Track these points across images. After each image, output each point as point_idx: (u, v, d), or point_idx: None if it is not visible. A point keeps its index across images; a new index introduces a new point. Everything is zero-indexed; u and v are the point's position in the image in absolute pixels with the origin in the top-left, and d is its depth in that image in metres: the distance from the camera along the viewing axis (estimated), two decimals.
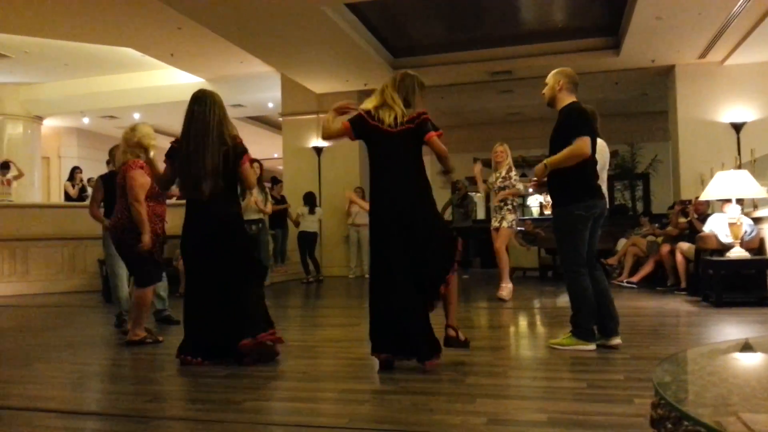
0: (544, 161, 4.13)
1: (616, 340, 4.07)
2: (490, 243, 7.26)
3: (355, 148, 12.10)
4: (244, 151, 4.00)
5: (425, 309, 3.66)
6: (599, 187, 4.20)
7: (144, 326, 4.75)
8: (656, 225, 9.27)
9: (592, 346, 4.03)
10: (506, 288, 7.00)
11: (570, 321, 4.18)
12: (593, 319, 4.07)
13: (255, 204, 7.49)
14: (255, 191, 7.09)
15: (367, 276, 11.35)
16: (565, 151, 4.00)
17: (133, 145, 4.73)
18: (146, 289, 4.72)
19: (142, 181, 4.62)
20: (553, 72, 4.29)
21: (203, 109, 3.96)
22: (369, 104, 3.82)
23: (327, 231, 12.05)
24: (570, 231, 4.09)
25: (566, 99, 4.19)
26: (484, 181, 7.46)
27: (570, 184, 4.09)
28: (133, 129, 4.83)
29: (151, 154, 4.74)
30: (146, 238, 4.56)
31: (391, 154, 3.72)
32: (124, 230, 4.66)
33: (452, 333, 3.75)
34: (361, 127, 3.81)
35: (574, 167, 4.03)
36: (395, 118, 3.69)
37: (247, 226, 6.91)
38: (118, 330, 5.35)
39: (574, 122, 4.05)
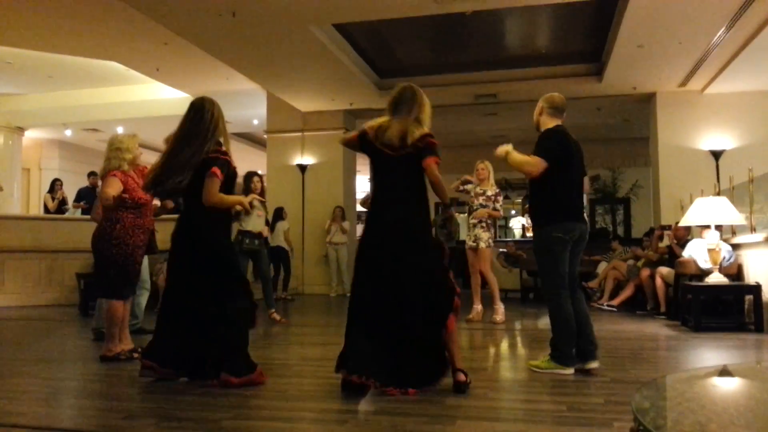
0: (511, 150, 4.30)
1: (594, 364, 4.05)
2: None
3: (339, 166, 12.14)
4: (213, 163, 3.78)
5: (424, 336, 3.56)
6: (579, 211, 4.22)
7: (117, 341, 4.66)
8: (634, 248, 9.35)
9: (570, 371, 4.03)
10: (500, 310, 6.97)
11: (549, 344, 4.19)
12: (573, 343, 4.05)
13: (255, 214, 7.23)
14: (256, 203, 6.97)
15: (347, 294, 11.32)
16: (520, 158, 4.22)
17: (105, 159, 4.76)
18: (115, 302, 4.63)
19: (105, 188, 4.62)
20: (542, 97, 4.40)
21: (187, 118, 3.95)
22: (378, 121, 3.77)
23: (308, 249, 12.01)
24: (548, 252, 4.12)
25: (548, 123, 4.28)
26: (463, 188, 7.28)
27: (547, 205, 4.16)
28: (110, 140, 4.87)
29: (125, 167, 4.71)
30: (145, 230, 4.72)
31: (392, 177, 3.69)
32: (100, 239, 4.62)
33: (462, 377, 3.51)
34: (365, 146, 3.78)
35: (551, 188, 4.11)
36: (401, 139, 3.64)
37: (249, 239, 6.87)
38: (97, 343, 5.29)
39: (539, 145, 4.18)
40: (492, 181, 7.21)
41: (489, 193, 7.08)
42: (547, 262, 4.15)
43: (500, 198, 7.16)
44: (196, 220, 3.89)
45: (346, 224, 11.44)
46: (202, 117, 3.93)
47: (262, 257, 7.05)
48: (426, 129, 3.71)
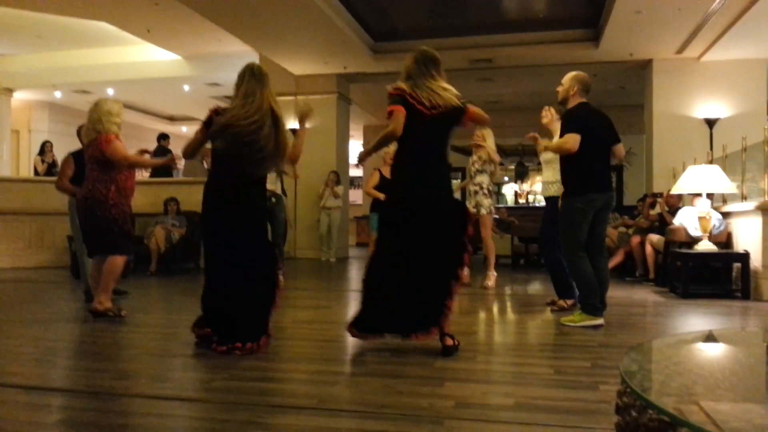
0: (545, 143, 5.00)
1: (600, 320, 4.52)
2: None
3: (332, 131, 12.06)
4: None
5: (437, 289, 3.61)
6: (603, 180, 4.59)
7: (110, 298, 4.73)
8: (624, 217, 9.39)
9: (600, 320, 4.47)
10: (492, 277, 7.02)
11: (578, 300, 4.69)
12: (596, 295, 4.48)
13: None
14: None
15: (333, 260, 11.36)
16: (556, 142, 4.71)
17: (94, 122, 4.76)
18: (118, 257, 4.74)
19: (123, 150, 4.78)
20: (570, 75, 4.74)
21: (266, 84, 3.83)
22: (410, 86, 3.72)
23: (301, 214, 12.01)
24: (569, 221, 4.53)
25: (575, 101, 4.66)
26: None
27: (571, 178, 4.57)
28: (95, 105, 4.87)
29: (116, 131, 4.78)
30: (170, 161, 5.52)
31: (426, 137, 3.67)
32: (95, 201, 4.66)
33: (449, 342, 3.55)
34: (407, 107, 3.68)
35: (573, 162, 4.50)
36: (443, 100, 3.66)
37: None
38: (87, 306, 5.29)
39: (569, 121, 4.57)
40: (489, 145, 7.11)
41: (484, 157, 7.03)
42: (568, 229, 4.55)
43: (490, 164, 7.05)
44: (260, 187, 3.89)
45: (339, 189, 11.43)
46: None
47: (276, 216, 6.99)
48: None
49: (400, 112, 3.60)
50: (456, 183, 10.93)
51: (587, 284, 4.48)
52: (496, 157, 7.06)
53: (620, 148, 4.71)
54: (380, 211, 3.83)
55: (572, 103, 4.67)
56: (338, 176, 11.52)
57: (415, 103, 3.62)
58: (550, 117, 5.34)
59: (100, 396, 2.79)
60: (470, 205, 7.04)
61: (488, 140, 7.07)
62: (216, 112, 3.78)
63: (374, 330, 3.64)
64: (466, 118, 3.72)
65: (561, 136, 4.63)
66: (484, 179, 6.98)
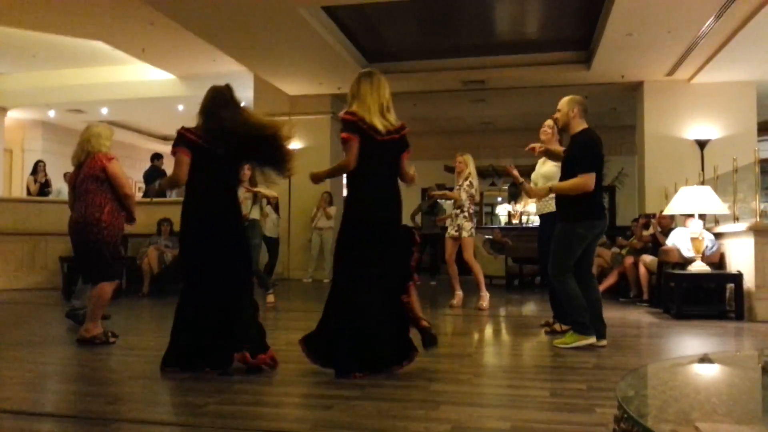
0: (551, 186, 4.68)
1: (603, 342, 4.52)
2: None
3: (326, 151, 12.08)
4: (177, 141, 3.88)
5: (399, 313, 3.65)
6: (603, 208, 4.61)
7: (98, 324, 4.65)
8: (617, 239, 9.42)
9: (592, 339, 4.43)
10: (486, 297, 7.00)
11: (568, 321, 4.65)
12: (586, 315, 4.45)
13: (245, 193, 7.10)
14: (241, 189, 6.90)
15: (326, 280, 11.30)
16: (570, 184, 4.44)
17: (83, 143, 4.79)
18: (107, 285, 4.67)
19: (124, 175, 4.81)
20: (567, 100, 4.63)
21: (235, 106, 3.99)
22: (359, 108, 3.76)
23: (295, 234, 11.98)
24: (568, 246, 4.48)
25: (579, 126, 4.57)
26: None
27: (577, 204, 4.45)
28: (86, 128, 4.93)
29: (104, 151, 4.77)
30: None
31: (379, 161, 3.72)
32: (88, 224, 4.59)
33: (425, 323, 3.68)
34: (360, 133, 3.72)
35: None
36: (386, 126, 3.71)
37: None
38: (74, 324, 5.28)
39: (583, 155, 4.44)
40: (470, 171, 7.09)
41: (460, 182, 7.06)
42: (563, 251, 4.50)
43: (466, 182, 7.01)
44: (231, 204, 3.94)
45: (332, 209, 11.41)
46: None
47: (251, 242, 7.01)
48: (349, 109, 3.79)
49: (355, 143, 3.66)
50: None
51: (577, 304, 4.47)
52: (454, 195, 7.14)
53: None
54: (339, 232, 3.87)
55: (575, 128, 4.57)
56: (331, 197, 11.52)
57: (367, 128, 3.67)
58: (551, 135, 5.36)
59: (91, 421, 2.75)
60: (452, 228, 7.06)
61: (470, 166, 7.10)
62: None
63: (320, 357, 3.64)
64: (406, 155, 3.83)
65: (566, 163, 4.59)
66: (464, 203, 6.99)
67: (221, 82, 4.15)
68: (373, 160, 3.69)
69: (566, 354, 4.31)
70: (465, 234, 6.94)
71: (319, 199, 11.46)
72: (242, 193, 6.87)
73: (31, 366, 3.96)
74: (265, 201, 7.45)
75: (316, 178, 4.06)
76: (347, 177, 3.89)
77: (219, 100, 3.91)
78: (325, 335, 3.67)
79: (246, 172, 6.95)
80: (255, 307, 3.88)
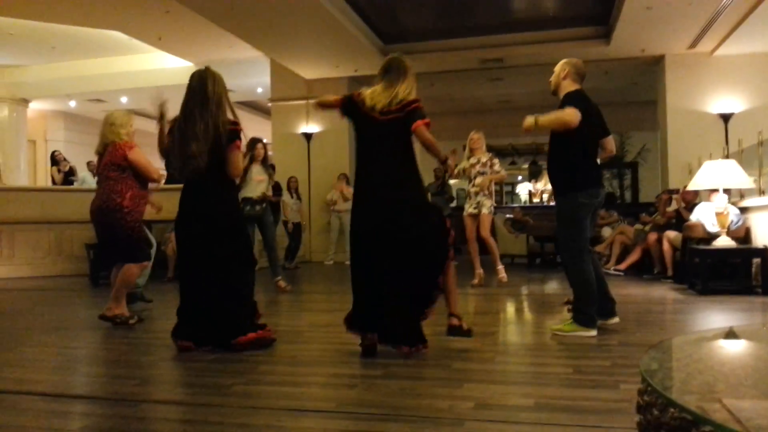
0: (536, 117, 4.11)
1: (615, 320, 4.26)
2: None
3: (345, 134, 12.07)
4: (236, 136, 3.91)
5: (413, 299, 3.60)
6: (600, 176, 4.32)
7: (122, 305, 4.75)
8: (614, 213, 9.37)
9: (593, 332, 4.06)
10: (502, 270, 7.17)
11: (572, 308, 4.22)
12: (595, 306, 4.11)
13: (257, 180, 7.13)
14: (257, 167, 6.89)
15: (347, 262, 11.34)
16: (552, 115, 4.06)
17: (103, 135, 4.86)
18: (134, 266, 4.78)
19: (143, 154, 4.87)
20: (562, 61, 4.34)
21: (203, 85, 3.92)
22: (368, 89, 3.77)
23: (315, 217, 12.04)
24: (573, 218, 4.13)
25: (569, 87, 4.23)
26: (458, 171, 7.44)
27: (575, 172, 4.14)
28: (104, 119, 4.97)
29: (121, 138, 4.84)
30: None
31: (379, 142, 3.69)
32: (110, 210, 4.69)
33: (455, 321, 3.68)
34: (351, 109, 3.80)
35: (577, 156, 4.12)
36: (387, 104, 3.65)
37: (249, 205, 6.85)
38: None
39: (567, 101, 4.12)
40: (484, 149, 7.19)
41: (483, 159, 7.09)
42: (571, 228, 4.15)
43: (495, 161, 7.15)
44: (212, 191, 3.91)
45: (349, 191, 11.42)
46: (214, 89, 3.93)
47: (266, 224, 6.99)
48: (413, 95, 3.71)
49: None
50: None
51: (589, 292, 4.10)
52: (499, 177, 7.19)
53: (610, 141, 4.32)
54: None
55: (566, 90, 4.22)
56: (347, 178, 11.53)
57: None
58: (481, 144, 5.23)
59: (121, 402, 2.82)
60: (471, 206, 7.08)
61: (483, 143, 7.19)
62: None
63: (360, 328, 3.64)
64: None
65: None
66: (485, 182, 7.04)
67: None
68: (367, 142, 3.79)
69: None
70: (485, 211, 6.98)
71: (335, 180, 11.47)
72: (257, 175, 6.87)
73: (61, 350, 4.05)
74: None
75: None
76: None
77: (196, 99, 3.95)
78: (356, 305, 3.72)
79: (260, 151, 6.95)
80: (245, 291, 3.93)
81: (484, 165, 7.08)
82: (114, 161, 4.74)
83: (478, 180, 7.02)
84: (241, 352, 3.68)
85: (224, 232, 3.90)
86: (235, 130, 3.92)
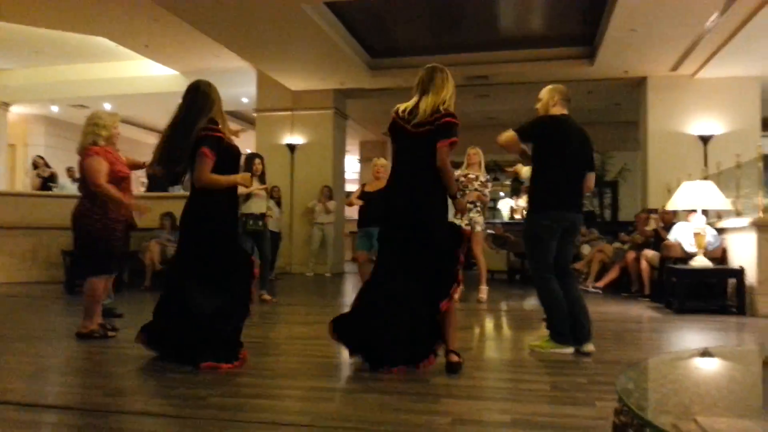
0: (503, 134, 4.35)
1: (589, 347, 4.09)
2: None
3: (329, 146, 12.10)
4: (202, 142, 3.70)
5: (428, 314, 3.56)
6: (571, 200, 4.21)
7: (96, 319, 4.65)
8: (620, 234, 9.41)
9: (570, 350, 4.08)
10: (484, 290, 7.13)
11: (546, 326, 4.26)
12: (566, 322, 4.12)
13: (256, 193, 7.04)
14: (255, 183, 6.84)
15: (328, 275, 11.31)
16: (503, 135, 4.32)
17: (83, 133, 4.68)
18: (96, 279, 4.61)
19: (97, 167, 4.52)
20: (547, 88, 4.42)
21: (182, 101, 3.89)
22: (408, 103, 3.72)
23: (297, 229, 12.00)
24: (535, 238, 4.19)
25: (556, 113, 4.30)
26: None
27: (538, 192, 4.23)
28: (89, 117, 4.78)
29: (100, 143, 4.63)
30: (126, 206, 4.60)
31: (410, 154, 3.64)
32: (81, 216, 4.58)
33: (455, 358, 3.52)
34: (392, 125, 3.73)
35: (542, 176, 4.20)
36: (419, 116, 3.60)
37: (252, 220, 6.82)
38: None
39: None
40: (482, 166, 7.24)
41: (482, 178, 7.14)
42: (534, 248, 4.21)
43: (489, 185, 7.25)
44: (194, 203, 3.82)
45: (331, 204, 11.41)
46: (195, 99, 3.87)
47: (264, 238, 7.03)
48: (449, 107, 3.63)
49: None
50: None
51: (558, 309, 4.12)
52: (486, 199, 7.18)
53: (591, 179, 4.32)
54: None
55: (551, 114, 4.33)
56: (331, 191, 11.52)
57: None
58: (478, 159, 5.18)
59: (93, 413, 2.77)
60: (463, 221, 7.08)
61: (482, 159, 7.21)
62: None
63: (351, 343, 3.63)
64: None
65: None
66: (475, 196, 7.04)
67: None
68: (399, 155, 3.70)
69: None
70: (478, 228, 7.05)
71: (318, 192, 11.45)
72: (256, 189, 6.83)
73: (34, 359, 3.98)
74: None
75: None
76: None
77: (197, 112, 3.85)
78: (355, 319, 3.66)
79: (257, 166, 6.91)
80: (220, 312, 3.74)
81: (482, 184, 7.10)
82: (82, 168, 4.66)
83: (471, 194, 7.02)
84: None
85: (197, 246, 3.79)
86: (204, 136, 3.73)
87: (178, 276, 3.86)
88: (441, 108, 3.60)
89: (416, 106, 3.65)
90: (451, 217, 3.67)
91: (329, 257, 11.54)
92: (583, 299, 4.24)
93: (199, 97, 3.88)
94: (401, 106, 3.71)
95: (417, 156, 3.61)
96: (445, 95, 3.66)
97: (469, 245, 6.98)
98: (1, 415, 2.73)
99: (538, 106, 4.41)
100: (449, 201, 3.72)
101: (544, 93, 4.40)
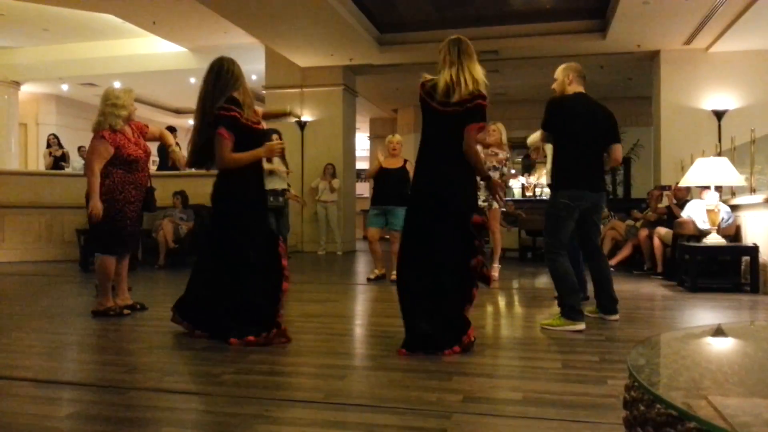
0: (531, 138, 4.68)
1: (615, 317, 4.45)
2: None
3: (338, 123, 12.05)
4: (218, 123, 3.70)
5: (452, 295, 3.51)
6: (590, 179, 4.25)
7: (109, 296, 4.70)
8: (614, 218, 9.35)
9: (582, 326, 4.10)
10: (496, 269, 7.07)
11: (558, 303, 4.29)
12: (577, 298, 4.21)
13: (278, 171, 7.06)
14: (276, 159, 6.85)
15: (339, 252, 11.35)
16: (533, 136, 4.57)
17: (104, 112, 4.61)
18: (106, 257, 4.64)
19: (101, 149, 4.50)
20: (562, 67, 4.47)
21: (203, 80, 3.87)
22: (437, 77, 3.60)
23: (307, 207, 12.01)
24: (552, 216, 4.28)
25: (572, 91, 4.36)
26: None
27: (558, 171, 4.31)
28: (105, 94, 4.72)
29: (119, 124, 4.59)
30: (93, 204, 4.45)
31: (439, 133, 3.55)
32: (87, 197, 4.61)
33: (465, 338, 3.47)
34: (421, 97, 3.62)
35: (560, 155, 4.28)
36: (446, 95, 3.50)
37: (273, 197, 6.87)
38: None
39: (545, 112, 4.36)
40: (504, 142, 7.04)
41: (501, 155, 6.99)
42: (551, 225, 4.30)
43: (509, 164, 7.09)
44: (222, 182, 3.85)
45: (335, 182, 11.39)
46: (218, 77, 3.83)
47: (284, 215, 7.11)
48: (479, 86, 3.51)
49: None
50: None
51: (568, 285, 4.18)
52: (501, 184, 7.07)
53: (617, 150, 4.37)
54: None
55: (570, 93, 4.38)
56: (334, 168, 11.49)
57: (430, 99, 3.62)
58: (498, 136, 5.27)
59: (109, 389, 2.81)
60: (480, 199, 7.03)
61: (503, 135, 7.05)
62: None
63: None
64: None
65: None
66: (495, 175, 6.96)
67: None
68: (428, 133, 3.61)
69: None
70: (495, 205, 6.93)
71: (321, 170, 11.43)
72: (279, 166, 6.87)
73: (50, 336, 4.04)
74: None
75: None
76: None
77: (220, 91, 3.82)
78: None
79: (276, 142, 6.92)
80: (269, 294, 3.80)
81: (500, 162, 6.92)
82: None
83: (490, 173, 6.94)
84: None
85: (228, 224, 3.84)
86: (220, 116, 3.71)
87: (210, 254, 3.91)
88: (475, 89, 3.49)
89: (454, 80, 3.49)
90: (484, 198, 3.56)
91: (336, 235, 11.55)
92: (611, 277, 4.51)
93: (222, 75, 3.83)
94: (428, 80, 3.59)
95: (444, 136, 3.52)
96: (481, 75, 3.55)
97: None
98: (19, 392, 2.79)
99: (555, 86, 4.47)
100: (479, 182, 3.68)
101: (559, 72, 4.47)
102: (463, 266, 3.49)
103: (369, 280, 6.99)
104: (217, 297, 3.79)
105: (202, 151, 3.87)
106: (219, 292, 3.79)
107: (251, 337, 3.63)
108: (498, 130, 7.06)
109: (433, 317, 3.45)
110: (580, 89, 4.37)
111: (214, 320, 3.78)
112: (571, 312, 4.13)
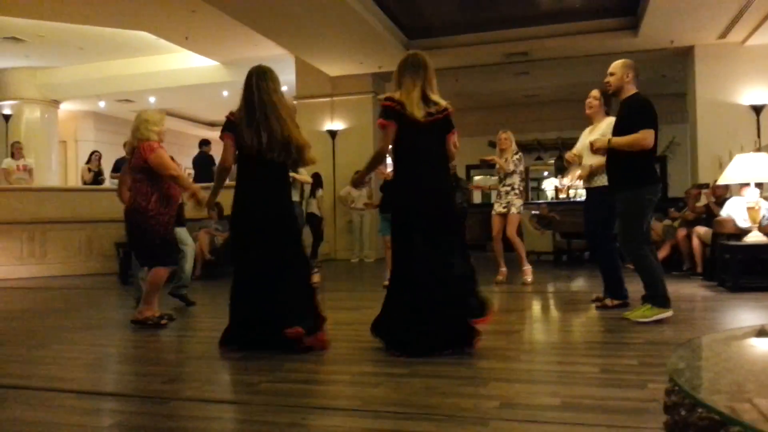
0: (609, 138, 4.46)
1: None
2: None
3: (369, 131, 12.09)
4: (225, 127, 3.97)
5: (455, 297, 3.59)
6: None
7: (154, 307, 4.79)
8: (670, 210, 9.16)
9: (670, 312, 4.39)
10: (528, 271, 7.01)
11: (646, 296, 4.47)
12: (664, 286, 4.41)
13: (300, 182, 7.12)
14: (304, 171, 6.93)
15: (370, 260, 11.34)
16: (631, 138, 4.30)
17: (133, 131, 4.82)
18: (161, 269, 4.78)
19: (166, 159, 4.75)
20: (620, 63, 4.55)
21: (266, 84, 4.00)
22: (398, 94, 3.73)
23: (340, 215, 12.07)
24: (639, 214, 4.40)
25: (631, 90, 4.50)
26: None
27: (641, 168, 4.40)
28: (136, 116, 4.95)
29: (154, 138, 4.78)
30: (200, 197, 4.73)
31: (422, 144, 3.69)
32: (136, 213, 4.70)
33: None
34: (398, 118, 3.72)
35: (644, 153, 4.34)
36: (427, 107, 3.68)
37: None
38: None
39: (642, 114, 4.36)
40: (514, 148, 7.07)
41: (509, 157, 6.99)
42: (636, 221, 4.39)
43: (516, 157, 7.01)
44: (278, 189, 4.01)
45: (370, 190, 11.40)
46: (245, 88, 4.02)
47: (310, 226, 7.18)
48: (392, 94, 3.73)
49: (391, 129, 3.70)
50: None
51: (655, 276, 4.39)
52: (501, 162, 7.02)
53: None
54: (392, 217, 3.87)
55: (628, 92, 4.50)
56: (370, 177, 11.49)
57: (407, 113, 3.64)
58: (597, 107, 5.23)
59: (150, 400, 2.86)
60: (500, 205, 7.01)
61: (513, 143, 7.08)
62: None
63: (387, 337, 3.68)
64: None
65: (619, 125, 4.47)
66: (515, 180, 6.95)
67: None
68: (415, 145, 3.69)
69: (617, 329, 4.25)
70: (514, 210, 6.92)
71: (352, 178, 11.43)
72: (300, 177, 6.92)
73: (92, 348, 4.13)
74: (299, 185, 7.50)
75: (358, 182, 4.44)
76: (393, 162, 3.85)
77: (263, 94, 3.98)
78: (386, 316, 3.73)
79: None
80: (306, 287, 3.89)
81: (507, 162, 6.99)
82: (138, 164, 4.77)
83: (509, 179, 6.95)
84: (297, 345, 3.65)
85: (284, 230, 3.96)
86: (227, 119, 3.96)
87: (252, 263, 3.90)
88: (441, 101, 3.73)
89: (422, 96, 3.66)
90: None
91: (367, 243, 11.52)
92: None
93: (245, 87, 4.01)
94: (396, 96, 3.71)
95: (428, 147, 3.69)
96: (431, 79, 3.75)
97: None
98: (61, 403, 2.85)
99: (611, 80, 4.56)
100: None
101: (618, 68, 4.54)
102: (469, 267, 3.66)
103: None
104: (260, 307, 3.79)
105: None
106: (260, 302, 3.79)
107: (300, 329, 3.64)
108: (509, 138, 7.06)
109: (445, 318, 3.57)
110: (636, 89, 4.52)
111: (265, 331, 3.77)
112: (663, 300, 4.38)
